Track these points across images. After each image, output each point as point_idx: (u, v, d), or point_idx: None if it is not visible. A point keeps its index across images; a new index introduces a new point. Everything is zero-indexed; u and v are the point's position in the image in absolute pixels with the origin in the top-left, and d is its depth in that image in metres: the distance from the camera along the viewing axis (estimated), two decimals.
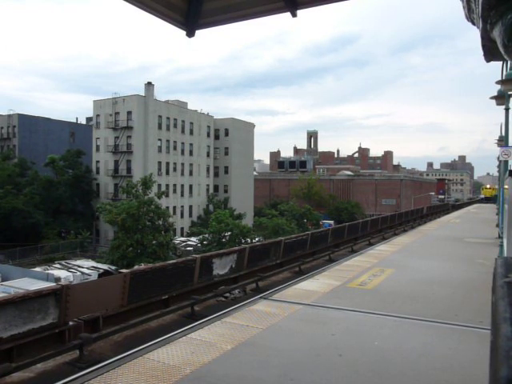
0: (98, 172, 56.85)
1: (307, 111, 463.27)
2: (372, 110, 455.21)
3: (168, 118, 57.52)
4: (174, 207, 56.05)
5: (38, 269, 30.52)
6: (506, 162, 15.77)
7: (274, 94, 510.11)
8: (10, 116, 60.83)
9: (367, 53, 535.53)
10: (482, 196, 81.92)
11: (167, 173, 56.97)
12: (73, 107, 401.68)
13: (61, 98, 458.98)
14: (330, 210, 75.53)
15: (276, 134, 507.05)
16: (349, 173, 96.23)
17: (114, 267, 29.75)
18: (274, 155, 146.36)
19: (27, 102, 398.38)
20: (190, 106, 64.10)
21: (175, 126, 58.93)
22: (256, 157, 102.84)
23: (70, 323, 6.55)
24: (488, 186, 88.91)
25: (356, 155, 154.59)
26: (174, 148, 58.60)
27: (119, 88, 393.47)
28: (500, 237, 15.52)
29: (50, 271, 28.92)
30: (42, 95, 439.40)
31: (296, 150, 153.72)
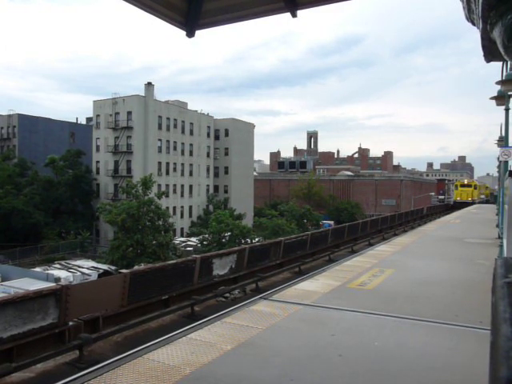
0: (98, 172, 56.86)
1: (310, 112, 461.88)
2: (374, 110, 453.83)
3: (168, 119, 57.51)
4: (174, 207, 56.05)
5: (37, 269, 30.57)
6: (506, 163, 15.77)
7: (277, 95, 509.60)
8: (10, 116, 60.82)
9: (371, 54, 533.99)
10: (463, 199, 49.18)
11: (167, 173, 56.97)
12: (76, 108, 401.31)
13: (64, 98, 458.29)
14: (330, 210, 75.55)
15: (277, 134, 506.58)
16: (349, 173, 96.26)
17: (113, 267, 29.80)
18: (274, 155, 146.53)
19: (30, 103, 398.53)
20: (193, 107, 64.38)
21: (175, 126, 58.94)
22: (256, 157, 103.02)
23: (70, 323, 6.55)
24: (465, 182, 55.84)
25: (356, 155, 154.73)
26: (174, 148, 58.61)
27: (123, 88, 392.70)
28: (500, 237, 15.51)
29: (49, 271, 28.95)
30: (45, 95, 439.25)
31: (296, 151, 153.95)
